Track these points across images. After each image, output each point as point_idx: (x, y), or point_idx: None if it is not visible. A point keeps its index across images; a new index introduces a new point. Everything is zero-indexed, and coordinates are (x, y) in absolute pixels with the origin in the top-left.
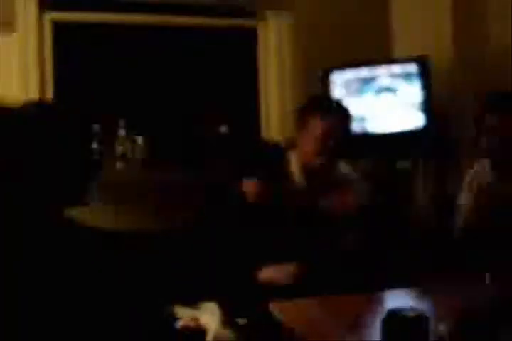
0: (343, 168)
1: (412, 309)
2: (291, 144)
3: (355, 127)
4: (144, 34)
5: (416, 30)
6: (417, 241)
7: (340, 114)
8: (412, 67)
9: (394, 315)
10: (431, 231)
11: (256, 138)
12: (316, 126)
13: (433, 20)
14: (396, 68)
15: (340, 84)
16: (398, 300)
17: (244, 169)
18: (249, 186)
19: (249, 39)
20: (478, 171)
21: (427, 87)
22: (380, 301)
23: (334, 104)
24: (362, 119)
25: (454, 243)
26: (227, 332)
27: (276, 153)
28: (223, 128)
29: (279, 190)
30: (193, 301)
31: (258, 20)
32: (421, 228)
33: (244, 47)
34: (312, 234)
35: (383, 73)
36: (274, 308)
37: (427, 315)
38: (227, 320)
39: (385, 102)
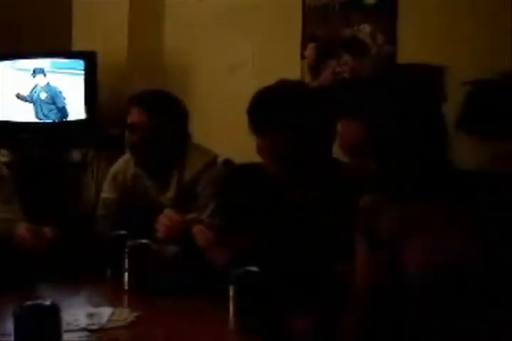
0: None
1: None
2: None
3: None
4: None
5: (94, 26)
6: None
7: None
8: (79, 62)
9: None
10: None
11: None
12: None
13: (110, 17)
14: (62, 61)
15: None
16: None
17: None
18: None
19: None
20: (121, 165)
21: (92, 82)
22: None
23: None
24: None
25: None
26: None
27: None
28: None
29: None
30: None
31: None
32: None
33: None
34: None
35: (48, 66)
36: None
37: None
38: None
39: (48, 94)
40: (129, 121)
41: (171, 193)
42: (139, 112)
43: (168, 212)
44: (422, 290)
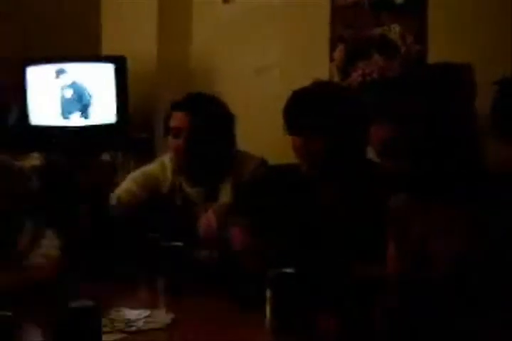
0: None
1: None
2: None
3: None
4: None
5: (123, 30)
6: None
7: None
8: (109, 67)
9: None
10: None
11: None
12: None
13: (139, 21)
14: (93, 66)
15: (36, 78)
16: None
17: None
18: None
19: None
20: (156, 171)
21: (122, 86)
22: None
23: None
24: (53, 113)
25: None
26: None
27: None
28: None
29: None
30: None
31: None
32: None
33: None
34: None
35: (79, 70)
36: None
37: None
38: None
39: (74, 91)
40: (172, 125)
41: (225, 200)
42: (182, 115)
43: (210, 212)
44: (445, 290)
